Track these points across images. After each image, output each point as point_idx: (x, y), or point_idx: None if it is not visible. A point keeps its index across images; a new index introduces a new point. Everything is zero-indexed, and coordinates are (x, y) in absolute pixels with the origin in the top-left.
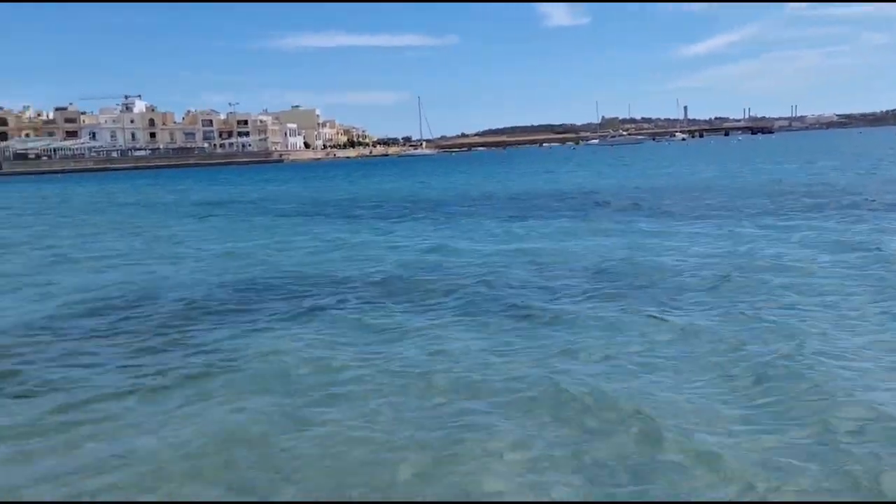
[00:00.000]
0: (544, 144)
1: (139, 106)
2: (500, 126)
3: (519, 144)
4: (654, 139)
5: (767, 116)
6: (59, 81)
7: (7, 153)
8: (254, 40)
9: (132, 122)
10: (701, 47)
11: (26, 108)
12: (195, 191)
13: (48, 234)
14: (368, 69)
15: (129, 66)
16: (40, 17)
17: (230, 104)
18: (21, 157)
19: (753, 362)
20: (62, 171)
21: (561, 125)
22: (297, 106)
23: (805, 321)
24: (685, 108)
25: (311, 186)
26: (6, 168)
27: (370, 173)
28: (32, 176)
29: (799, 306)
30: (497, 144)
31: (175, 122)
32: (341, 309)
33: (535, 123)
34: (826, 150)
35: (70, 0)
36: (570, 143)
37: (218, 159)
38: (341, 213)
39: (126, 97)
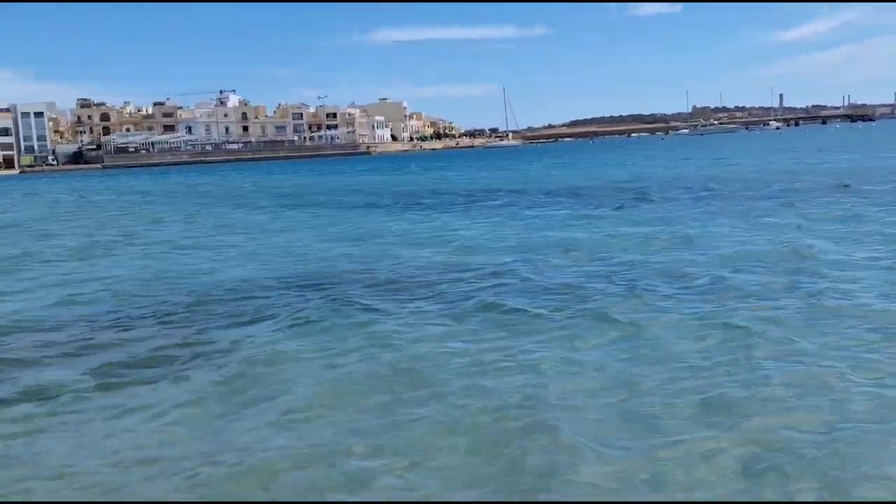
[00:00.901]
0: (633, 135)
1: (233, 100)
2: (588, 116)
3: (607, 135)
4: (746, 128)
5: (868, 104)
6: (159, 78)
7: (109, 147)
8: (345, 36)
9: (226, 116)
10: (797, 33)
11: (127, 103)
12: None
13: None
14: (456, 62)
15: (224, 64)
16: (142, 17)
17: (319, 97)
18: (122, 150)
19: None
20: (159, 164)
21: (650, 115)
22: (384, 99)
23: None
24: (780, 95)
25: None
26: (108, 161)
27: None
28: (133, 168)
29: None
30: (584, 135)
31: (266, 116)
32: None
33: (624, 114)
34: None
35: (175, 0)
36: (660, 133)
37: (307, 152)
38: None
39: (221, 92)
